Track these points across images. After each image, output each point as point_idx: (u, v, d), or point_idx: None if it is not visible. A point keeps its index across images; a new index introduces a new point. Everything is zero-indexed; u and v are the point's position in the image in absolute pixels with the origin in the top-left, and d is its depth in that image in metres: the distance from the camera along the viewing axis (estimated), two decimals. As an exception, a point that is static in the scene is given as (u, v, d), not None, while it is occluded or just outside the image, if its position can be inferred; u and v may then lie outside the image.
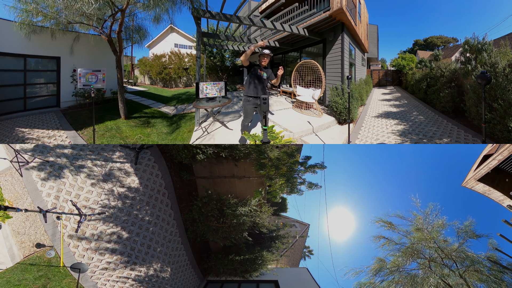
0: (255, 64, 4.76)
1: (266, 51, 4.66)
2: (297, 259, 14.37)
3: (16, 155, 4.13)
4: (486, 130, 5.13)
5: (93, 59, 10.01)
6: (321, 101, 9.73)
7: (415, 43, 43.33)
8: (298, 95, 8.73)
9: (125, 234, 4.46)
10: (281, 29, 7.88)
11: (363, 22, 13.92)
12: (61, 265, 4.02)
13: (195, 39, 11.47)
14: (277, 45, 11.59)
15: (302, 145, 6.08)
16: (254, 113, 5.04)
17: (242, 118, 5.16)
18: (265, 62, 4.69)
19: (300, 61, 10.39)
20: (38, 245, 4.11)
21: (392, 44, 78.14)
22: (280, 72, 4.44)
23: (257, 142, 3.17)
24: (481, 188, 6.76)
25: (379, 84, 24.67)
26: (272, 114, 8.08)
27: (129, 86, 19.49)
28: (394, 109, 10.57)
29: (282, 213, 14.81)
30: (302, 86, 9.24)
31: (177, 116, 9.06)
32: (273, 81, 4.79)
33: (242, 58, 4.71)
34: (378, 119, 8.54)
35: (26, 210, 2.94)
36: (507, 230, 4.90)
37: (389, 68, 28.71)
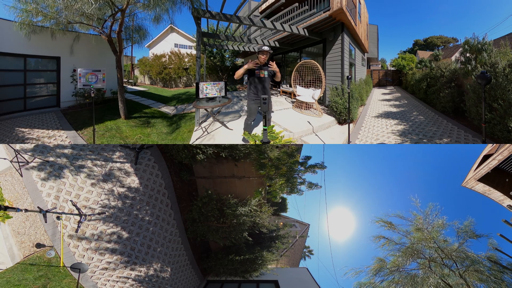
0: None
1: (265, 48, 4.47)
2: (297, 259, 14.37)
3: (16, 155, 4.13)
4: (486, 130, 5.13)
5: (93, 59, 10.02)
6: (321, 101, 9.73)
7: (415, 43, 43.40)
8: (298, 95, 8.73)
9: (125, 234, 4.46)
10: (281, 29, 7.88)
11: (363, 22, 13.92)
12: (61, 265, 4.02)
13: (195, 39, 11.47)
14: (277, 45, 11.59)
15: (302, 145, 6.08)
16: (258, 112, 5.01)
17: (244, 117, 5.12)
18: (263, 59, 4.52)
19: (300, 61, 10.39)
20: (38, 245, 4.11)
21: (392, 44, 78.40)
22: (274, 67, 4.42)
23: (257, 142, 3.17)
24: (481, 188, 6.77)
25: (379, 84, 24.69)
26: (272, 111, 8.04)
27: (129, 86, 19.50)
28: (394, 109, 10.57)
29: (282, 213, 14.82)
30: (302, 86, 9.24)
31: (177, 116, 9.06)
32: (275, 78, 4.71)
33: (236, 76, 4.63)
34: (378, 119, 8.53)
35: (26, 210, 2.95)
36: (507, 230, 4.90)
37: (389, 68, 28.72)
